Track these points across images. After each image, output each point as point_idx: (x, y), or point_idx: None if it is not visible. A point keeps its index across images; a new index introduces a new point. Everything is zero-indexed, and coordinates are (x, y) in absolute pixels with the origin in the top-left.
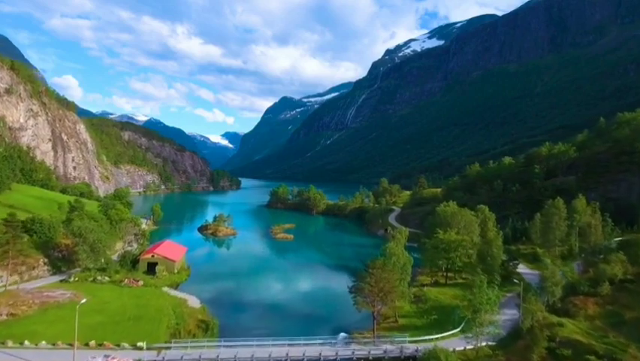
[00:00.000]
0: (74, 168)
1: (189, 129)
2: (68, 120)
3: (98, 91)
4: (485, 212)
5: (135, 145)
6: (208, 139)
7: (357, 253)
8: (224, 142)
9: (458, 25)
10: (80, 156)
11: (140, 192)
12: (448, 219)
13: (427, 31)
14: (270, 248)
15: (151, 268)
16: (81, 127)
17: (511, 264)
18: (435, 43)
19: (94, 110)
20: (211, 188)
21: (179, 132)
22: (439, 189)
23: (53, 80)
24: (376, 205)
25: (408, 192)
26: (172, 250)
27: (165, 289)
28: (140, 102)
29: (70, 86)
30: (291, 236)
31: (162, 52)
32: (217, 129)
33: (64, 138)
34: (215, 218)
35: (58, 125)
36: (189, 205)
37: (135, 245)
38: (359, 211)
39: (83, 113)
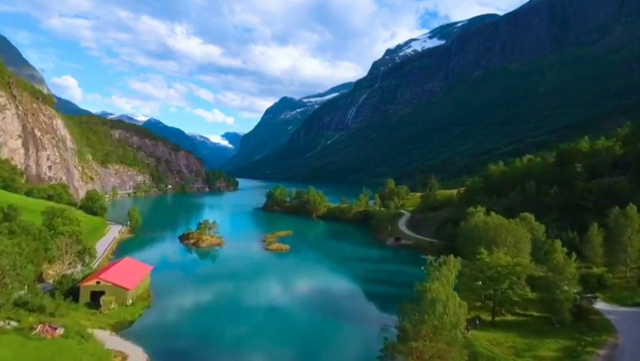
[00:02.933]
0: (49, 167)
1: (189, 130)
2: (43, 115)
3: (98, 91)
4: (532, 223)
5: (126, 144)
6: (208, 139)
7: (365, 271)
8: (224, 142)
9: (459, 24)
10: (57, 154)
11: (129, 194)
12: (491, 233)
13: (427, 30)
14: (259, 263)
15: (96, 298)
16: (58, 122)
17: (585, 298)
18: (436, 42)
19: (93, 110)
20: (206, 189)
21: (178, 133)
22: (453, 191)
23: (53, 80)
24: (383, 209)
25: (417, 194)
26: (127, 272)
27: (103, 334)
28: (140, 102)
29: (70, 86)
30: (287, 246)
31: (161, 52)
32: (217, 130)
33: (38, 134)
34: (198, 225)
35: (30, 120)
36: (179, 208)
37: (80, 267)
38: (364, 215)
39: (82, 114)
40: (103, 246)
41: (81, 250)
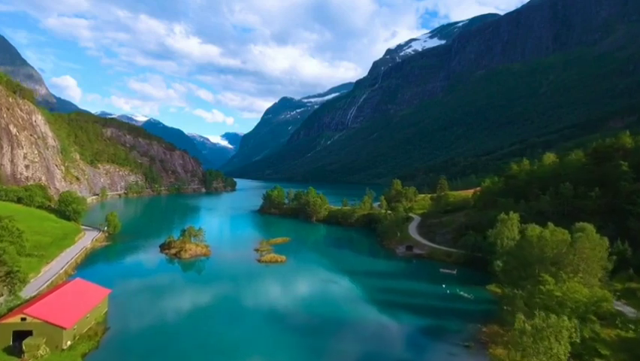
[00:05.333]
0: (27, 166)
1: (189, 130)
2: (21, 110)
3: (97, 91)
4: (593, 235)
5: (118, 143)
6: (208, 140)
7: (376, 290)
8: (224, 143)
9: (460, 24)
10: (36, 152)
11: (120, 195)
12: (549, 251)
13: (427, 31)
14: (249, 280)
15: (22, 340)
16: (38, 118)
17: None
18: (436, 42)
19: (93, 110)
20: (203, 190)
21: (178, 133)
22: (468, 192)
23: (52, 80)
24: (389, 212)
25: (424, 196)
26: (69, 302)
27: None
28: (139, 102)
29: (69, 86)
30: (283, 257)
31: (160, 51)
32: (217, 130)
33: (14, 130)
34: (182, 232)
35: (5, 115)
36: (170, 210)
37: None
38: (368, 219)
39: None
40: (66, 258)
41: (9, 271)
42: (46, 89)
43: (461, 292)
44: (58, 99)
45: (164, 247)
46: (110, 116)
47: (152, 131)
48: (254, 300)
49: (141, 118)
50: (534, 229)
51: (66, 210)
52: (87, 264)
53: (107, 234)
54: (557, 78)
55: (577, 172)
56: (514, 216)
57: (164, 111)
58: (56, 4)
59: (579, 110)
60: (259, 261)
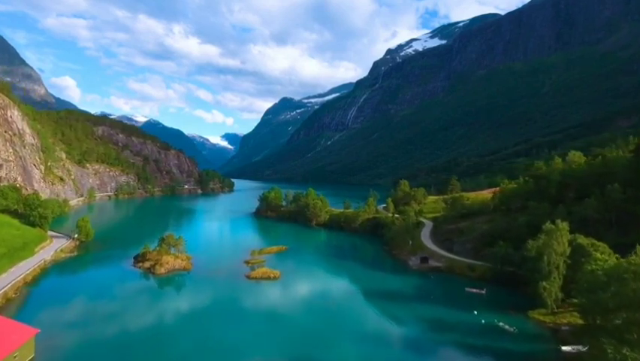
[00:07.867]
0: (0, 165)
1: (188, 130)
2: None
3: (96, 91)
4: None
5: (110, 142)
6: (207, 140)
7: (392, 318)
8: (224, 143)
9: (460, 24)
10: (10, 150)
11: (110, 196)
12: None
13: (428, 30)
14: (232, 305)
15: None
16: (14, 114)
17: None
18: (437, 42)
19: (92, 110)
20: (199, 191)
21: (178, 133)
22: (484, 194)
23: (51, 80)
24: (397, 216)
25: (437, 198)
26: None
27: None
28: (139, 103)
29: (69, 87)
30: (277, 273)
31: (159, 52)
32: (216, 130)
33: None
34: (159, 242)
35: None
36: (161, 213)
37: None
38: (373, 224)
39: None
40: (15, 274)
41: None
42: (45, 89)
43: (500, 323)
44: (57, 99)
45: (138, 259)
46: (110, 117)
47: (152, 131)
48: (235, 333)
49: (141, 118)
50: (562, 230)
51: (30, 214)
52: (38, 282)
53: (77, 242)
54: (560, 78)
55: (624, 172)
56: (564, 226)
57: (163, 112)
58: (55, 4)
59: (583, 109)
60: (248, 277)
